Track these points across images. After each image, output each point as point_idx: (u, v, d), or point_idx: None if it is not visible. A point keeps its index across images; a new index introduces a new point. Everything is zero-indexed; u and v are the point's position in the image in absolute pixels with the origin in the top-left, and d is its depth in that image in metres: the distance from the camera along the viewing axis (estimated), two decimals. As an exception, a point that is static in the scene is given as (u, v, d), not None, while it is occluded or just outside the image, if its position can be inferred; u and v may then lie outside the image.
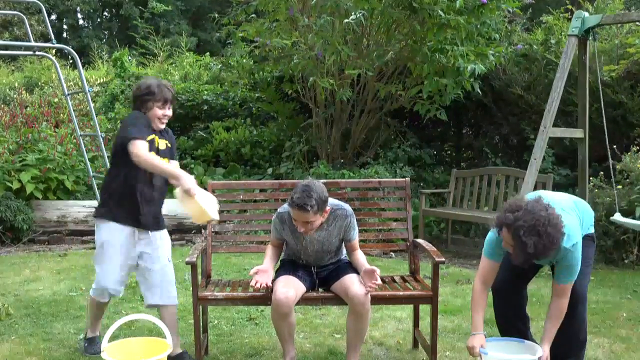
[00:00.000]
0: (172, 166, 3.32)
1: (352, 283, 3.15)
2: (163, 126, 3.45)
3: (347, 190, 3.97)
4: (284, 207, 3.29)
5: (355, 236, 3.34)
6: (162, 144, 3.44)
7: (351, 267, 3.36)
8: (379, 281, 3.13)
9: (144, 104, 3.36)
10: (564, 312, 2.94)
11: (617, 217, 5.21)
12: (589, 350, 3.63)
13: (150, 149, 3.28)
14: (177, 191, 3.17)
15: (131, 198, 3.33)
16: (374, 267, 3.15)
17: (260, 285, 3.13)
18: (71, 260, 6.20)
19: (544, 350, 2.90)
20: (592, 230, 3.15)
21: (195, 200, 3.11)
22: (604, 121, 5.23)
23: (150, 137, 3.32)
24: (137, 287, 4.92)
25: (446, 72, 6.45)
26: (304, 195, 3.04)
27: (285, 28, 7.28)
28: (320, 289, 3.34)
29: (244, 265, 5.85)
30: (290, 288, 3.14)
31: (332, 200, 3.23)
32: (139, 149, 3.15)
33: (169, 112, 3.41)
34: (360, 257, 3.33)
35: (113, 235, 3.36)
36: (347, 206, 3.30)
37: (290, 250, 3.43)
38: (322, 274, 3.37)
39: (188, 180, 3.12)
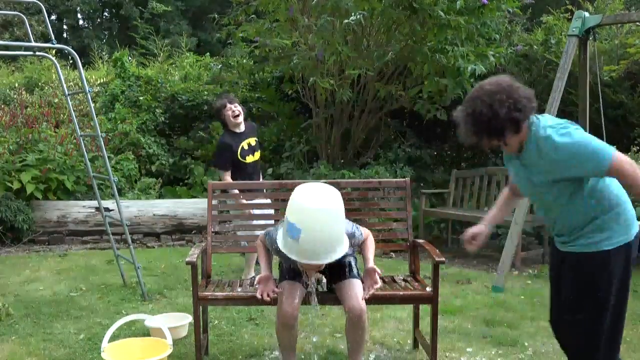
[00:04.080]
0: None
1: (349, 297, 3.05)
2: (240, 121, 4.86)
3: (347, 190, 3.97)
4: (277, 240, 2.91)
5: (360, 235, 3.14)
6: (246, 144, 4.90)
7: (354, 267, 3.23)
8: (379, 284, 3.07)
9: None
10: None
11: None
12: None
13: (244, 154, 4.83)
14: None
15: None
16: (375, 267, 3.06)
17: (267, 296, 3.06)
18: (71, 261, 6.20)
19: None
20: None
21: None
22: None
23: (240, 146, 4.81)
24: (136, 287, 4.94)
25: (446, 72, 6.45)
26: None
27: (285, 28, 7.28)
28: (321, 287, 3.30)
29: (244, 266, 5.84)
30: (295, 298, 3.07)
31: None
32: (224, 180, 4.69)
33: (235, 108, 4.79)
34: (369, 247, 3.16)
35: None
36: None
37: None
38: (324, 272, 3.26)
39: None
